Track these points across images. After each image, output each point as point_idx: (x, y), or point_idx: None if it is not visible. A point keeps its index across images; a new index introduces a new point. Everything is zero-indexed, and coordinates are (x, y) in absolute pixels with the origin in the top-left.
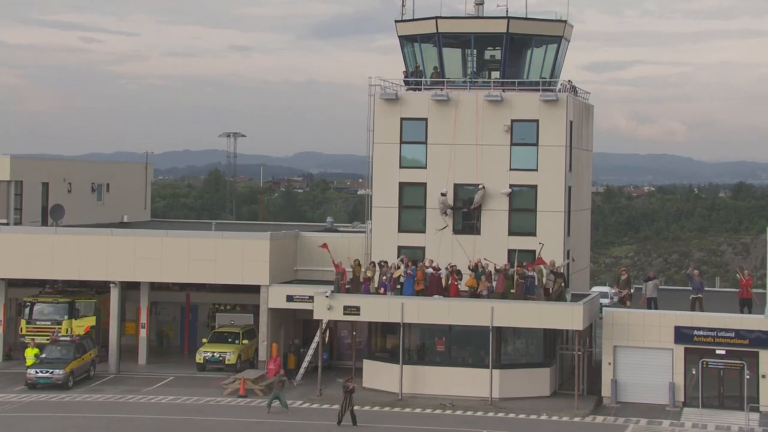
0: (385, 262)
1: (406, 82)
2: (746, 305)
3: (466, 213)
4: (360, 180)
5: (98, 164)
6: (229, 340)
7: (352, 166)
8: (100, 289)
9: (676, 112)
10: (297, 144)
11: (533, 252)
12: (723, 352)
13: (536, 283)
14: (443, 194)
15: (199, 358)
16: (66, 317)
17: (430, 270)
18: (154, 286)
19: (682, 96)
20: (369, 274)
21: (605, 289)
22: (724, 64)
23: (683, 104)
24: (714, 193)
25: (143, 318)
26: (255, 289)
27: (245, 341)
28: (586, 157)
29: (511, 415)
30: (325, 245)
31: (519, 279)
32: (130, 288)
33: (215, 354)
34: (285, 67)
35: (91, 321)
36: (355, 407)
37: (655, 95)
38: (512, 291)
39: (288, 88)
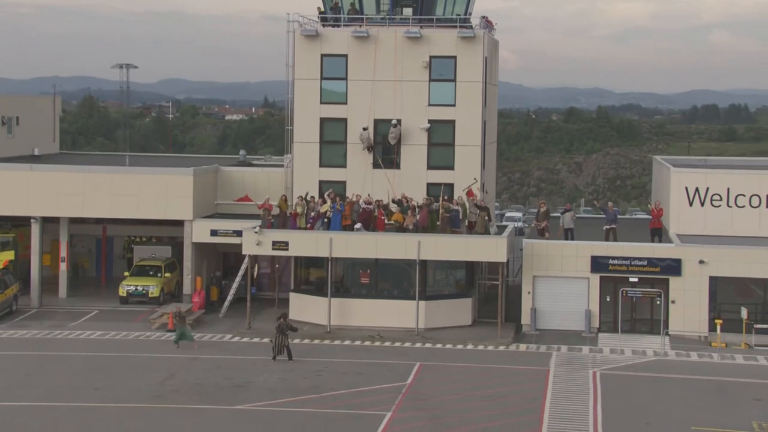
0: (313, 197)
1: (323, 19)
2: (657, 235)
3: (386, 148)
4: (227, 106)
5: (8, 98)
6: (151, 273)
7: (214, 92)
8: (16, 222)
9: (507, 43)
10: (161, 72)
11: (451, 185)
12: (636, 279)
13: (460, 217)
14: (364, 129)
15: (122, 291)
16: None
17: (363, 204)
18: (71, 219)
19: (513, 28)
20: (299, 209)
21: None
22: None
23: (513, 36)
24: (548, 117)
25: (63, 252)
26: (172, 223)
27: (167, 274)
28: (494, 92)
29: (439, 345)
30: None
31: (444, 213)
32: (46, 221)
33: (138, 287)
34: None
35: (9, 255)
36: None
37: None
38: (438, 224)
39: (151, 18)
